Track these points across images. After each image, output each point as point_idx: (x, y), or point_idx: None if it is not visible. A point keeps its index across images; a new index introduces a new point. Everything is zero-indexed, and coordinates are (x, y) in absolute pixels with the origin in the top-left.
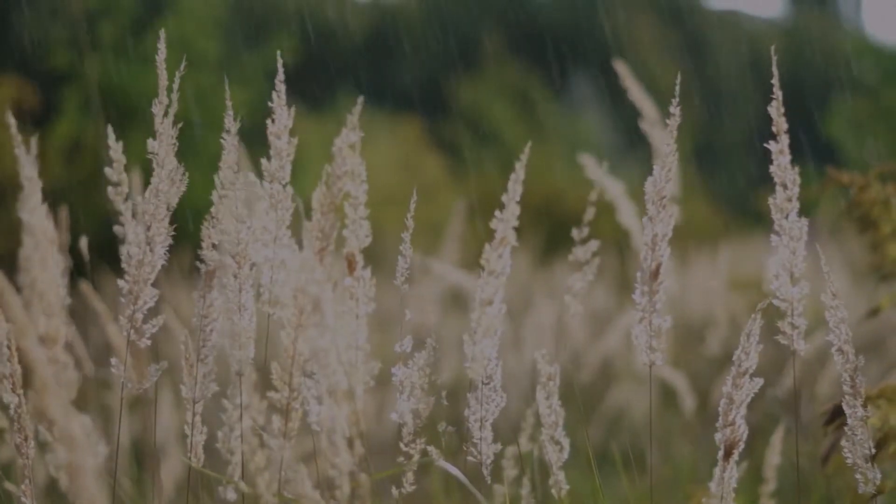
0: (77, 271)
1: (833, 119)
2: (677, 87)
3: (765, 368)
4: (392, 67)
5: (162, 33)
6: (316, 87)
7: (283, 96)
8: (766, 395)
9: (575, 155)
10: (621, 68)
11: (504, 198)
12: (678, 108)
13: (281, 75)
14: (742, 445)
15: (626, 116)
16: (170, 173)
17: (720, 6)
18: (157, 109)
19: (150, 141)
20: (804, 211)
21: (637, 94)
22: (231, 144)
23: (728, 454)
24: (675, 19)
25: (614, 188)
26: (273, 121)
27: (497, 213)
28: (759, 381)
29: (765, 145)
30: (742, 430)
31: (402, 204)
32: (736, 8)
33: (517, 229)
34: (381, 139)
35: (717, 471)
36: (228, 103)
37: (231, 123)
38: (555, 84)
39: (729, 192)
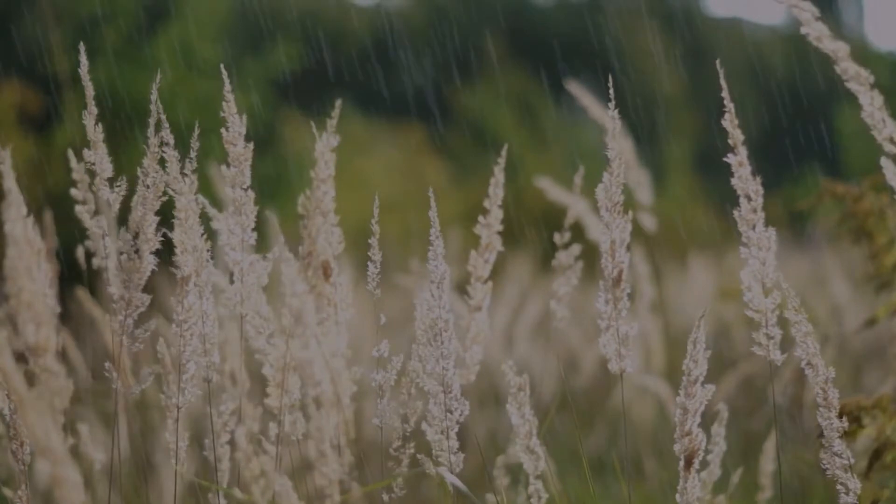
0: (76, 277)
1: (838, 126)
2: (611, 91)
3: (762, 376)
4: (394, 74)
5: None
6: (317, 94)
7: (233, 105)
8: (766, 403)
9: (576, 162)
10: (575, 88)
11: (486, 203)
12: (616, 111)
13: (228, 85)
14: (701, 454)
15: (629, 124)
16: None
17: (722, 13)
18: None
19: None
20: (805, 218)
21: (597, 111)
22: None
23: (688, 464)
24: (676, 26)
25: (578, 205)
26: (227, 128)
27: (481, 218)
28: (711, 388)
29: (724, 159)
30: (700, 439)
31: (404, 211)
32: (738, 15)
33: (521, 235)
34: (382, 146)
35: (679, 481)
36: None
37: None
38: (556, 91)
39: (730, 198)
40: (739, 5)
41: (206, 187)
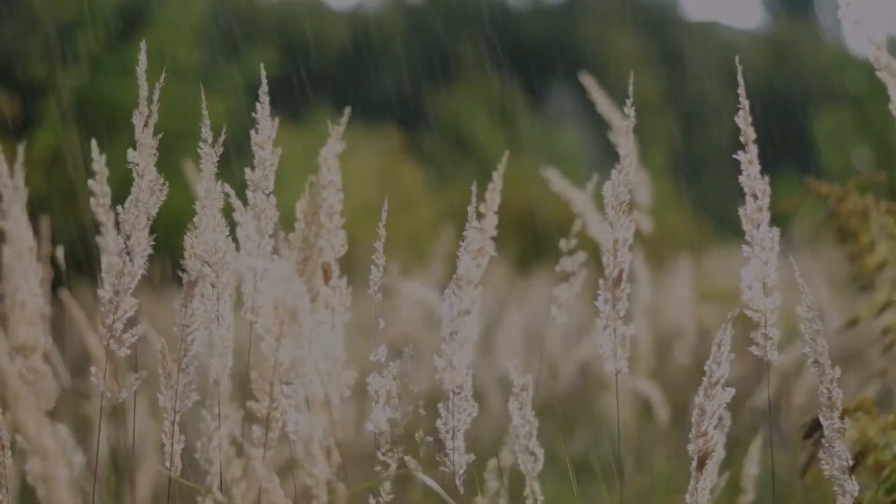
0: (54, 281)
1: (815, 129)
2: (630, 88)
3: (744, 379)
4: (371, 79)
5: (143, 45)
6: (294, 99)
7: (267, 107)
8: (746, 405)
9: (553, 166)
10: (588, 82)
11: (482, 207)
12: (633, 109)
13: (265, 87)
14: (716, 456)
15: (605, 127)
16: (150, 183)
17: (699, 18)
18: (137, 120)
19: (130, 151)
20: (783, 221)
21: (605, 106)
22: (208, 154)
23: (701, 465)
24: (654, 31)
25: (581, 201)
26: (256, 131)
27: (475, 222)
28: (731, 391)
29: (734, 156)
30: (715, 441)
31: (381, 215)
32: (715, 19)
33: (495, 238)
34: (360, 150)
35: (691, 482)
36: (205, 112)
37: (208, 133)
38: (533, 96)
39: (708, 202)
40: (716, 9)
41: (185, 191)
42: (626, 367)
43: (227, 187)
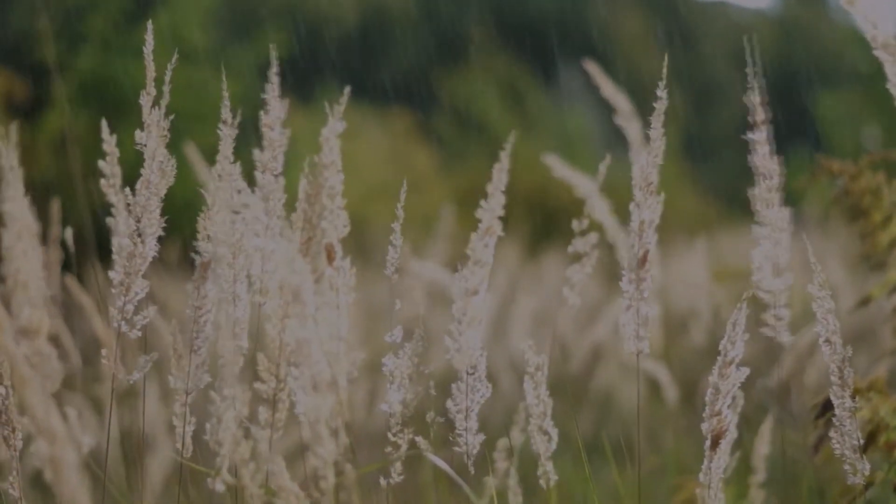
0: (65, 263)
1: (824, 109)
2: (664, 70)
3: (755, 359)
4: (382, 60)
5: (149, 25)
6: (305, 80)
7: (277, 88)
8: (757, 385)
9: (564, 147)
10: (593, 67)
11: (489, 187)
12: (665, 91)
13: (275, 67)
14: (729, 435)
15: (616, 109)
16: (160, 165)
17: None
18: (144, 101)
19: (137, 132)
20: (794, 200)
21: (609, 90)
22: (227, 135)
23: (715, 444)
24: (663, 10)
25: (586, 185)
26: (266, 112)
27: (483, 202)
28: (746, 371)
29: (743, 137)
30: (728, 420)
31: (393, 197)
32: None
33: (506, 220)
34: (371, 132)
35: (704, 461)
36: (225, 94)
37: (228, 114)
38: (544, 76)
39: (719, 182)
40: None
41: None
42: (648, 347)
43: (238, 168)
